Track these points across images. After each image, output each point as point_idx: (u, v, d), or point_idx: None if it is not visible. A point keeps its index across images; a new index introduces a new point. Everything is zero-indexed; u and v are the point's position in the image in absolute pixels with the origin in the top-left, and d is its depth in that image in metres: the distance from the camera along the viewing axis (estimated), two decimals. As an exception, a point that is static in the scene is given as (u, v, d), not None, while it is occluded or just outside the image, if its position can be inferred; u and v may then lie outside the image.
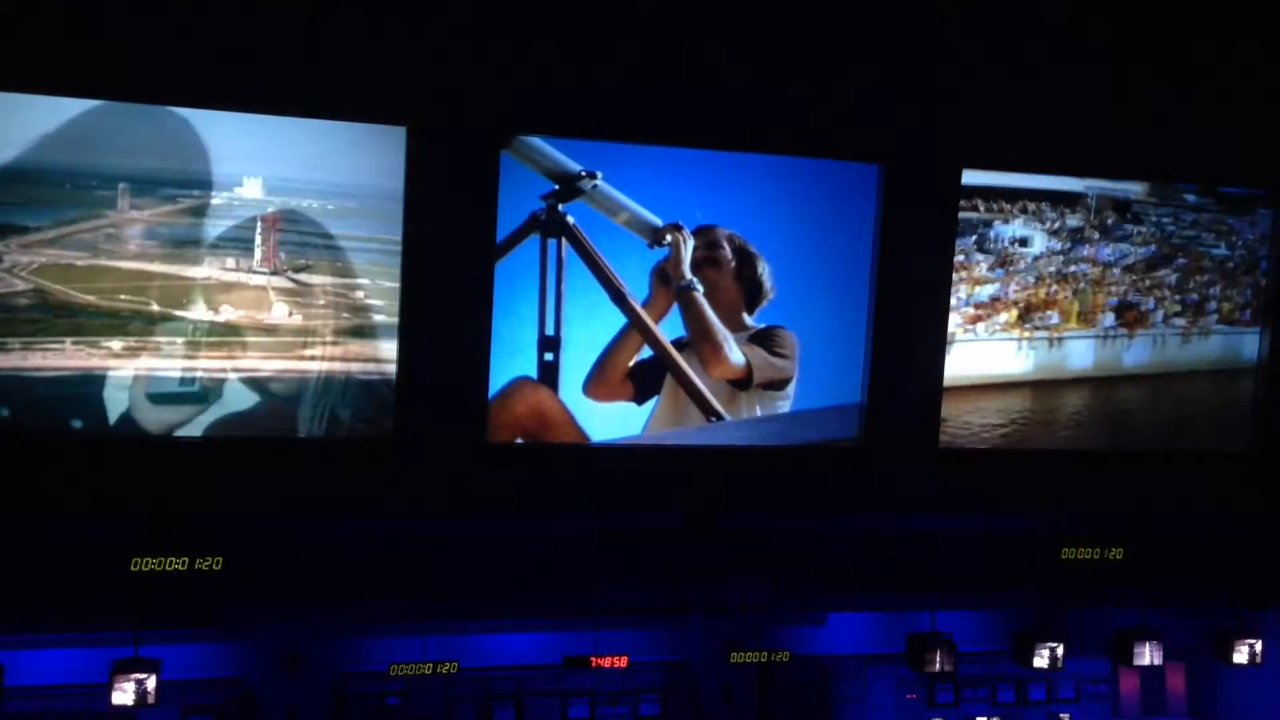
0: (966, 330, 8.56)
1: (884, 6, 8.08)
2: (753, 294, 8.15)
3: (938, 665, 9.88)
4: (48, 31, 6.85)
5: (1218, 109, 8.63)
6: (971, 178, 8.35)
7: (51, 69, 6.84)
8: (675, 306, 8.04)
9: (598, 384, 7.99)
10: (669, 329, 8.06)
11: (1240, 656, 10.10)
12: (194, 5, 7.03)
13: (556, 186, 7.68)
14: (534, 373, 7.89)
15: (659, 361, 8.06)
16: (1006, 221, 8.45)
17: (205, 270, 7.25)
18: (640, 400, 8.09)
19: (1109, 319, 8.76)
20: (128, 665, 8.40)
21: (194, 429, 7.41)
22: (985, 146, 8.38)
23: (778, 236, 8.14)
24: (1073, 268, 8.62)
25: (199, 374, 7.35)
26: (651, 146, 7.86)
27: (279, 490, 7.74)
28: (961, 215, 8.33)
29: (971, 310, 8.53)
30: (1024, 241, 8.53)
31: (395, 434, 7.71)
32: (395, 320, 7.57)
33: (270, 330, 7.40)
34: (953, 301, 8.49)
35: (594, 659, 9.59)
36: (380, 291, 7.53)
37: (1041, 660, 10.17)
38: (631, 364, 8.04)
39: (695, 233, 7.98)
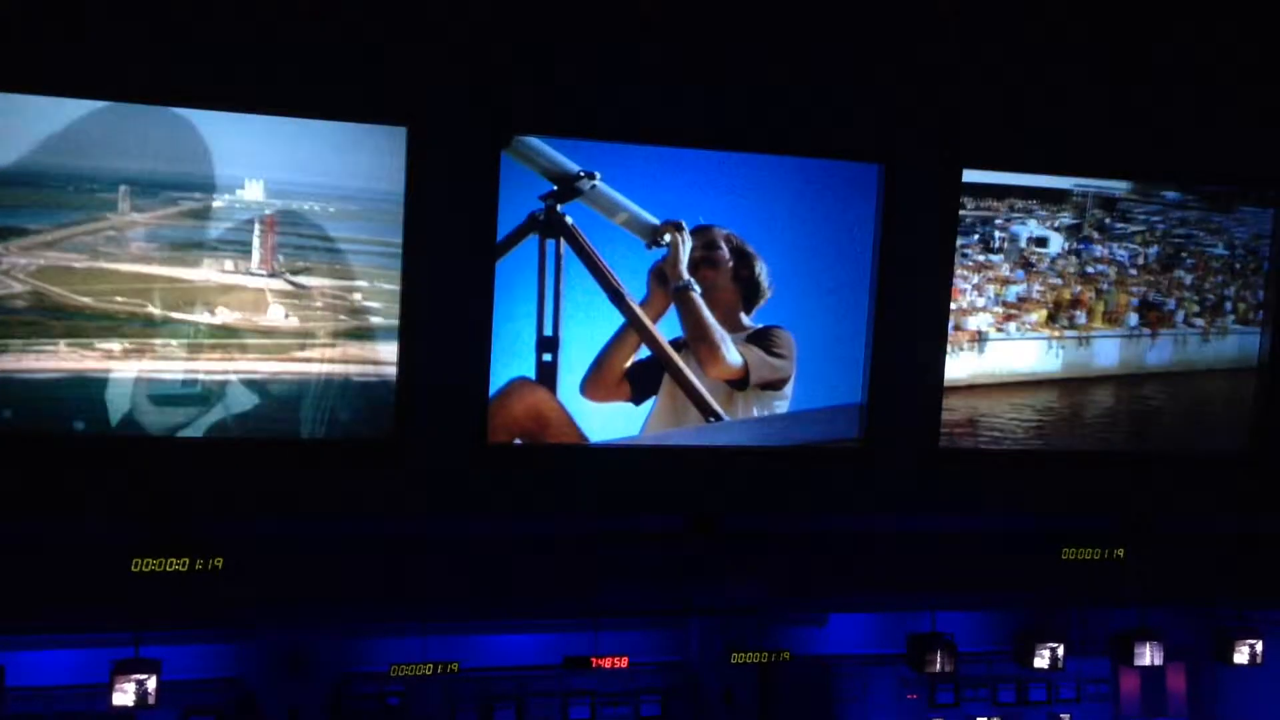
0: (1000, 330, 8.58)
1: (884, 6, 8.08)
2: (750, 294, 8.15)
3: (938, 665, 9.90)
4: (48, 32, 6.85)
5: (1218, 106, 8.62)
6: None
7: (51, 69, 6.85)
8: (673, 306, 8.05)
9: (595, 384, 7.99)
10: (667, 329, 8.07)
11: (1241, 657, 10.10)
12: (194, 5, 7.03)
13: (555, 187, 7.69)
14: (532, 373, 7.89)
15: (656, 362, 8.07)
16: (1023, 222, 8.46)
17: (203, 273, 7.25)
18: (638, 400, 8.09)
19: (1133, 319, 8.81)
20: (128, 666, 8.43)
21: (190, 430, 7.39)
22: (986, 146, 8.38)
23: (777, 236, 8.14)
24: (1090, 268, 8.64)
25: (192, 376, 7.34)
26: (651, 146, 7.86)
27: (279, 491, 7.74)
28: (975, 214, 8.32)
29: (1001, 309, 8.56)
30: (1042, 242, 8.53)
31: (395, 435, 7.71)
32: (393, 323, 7.57)
33: (266, 333, 7.40)
34: (980, 301, 8.52)
35: (595, 659, 9.60)
36: (378, 294, 7.53)
37: (1042, 660, 10.19)
38: (629, 364, 8.04)
39: (693, 232, 7.98)
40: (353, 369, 7.57)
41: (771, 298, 8.17)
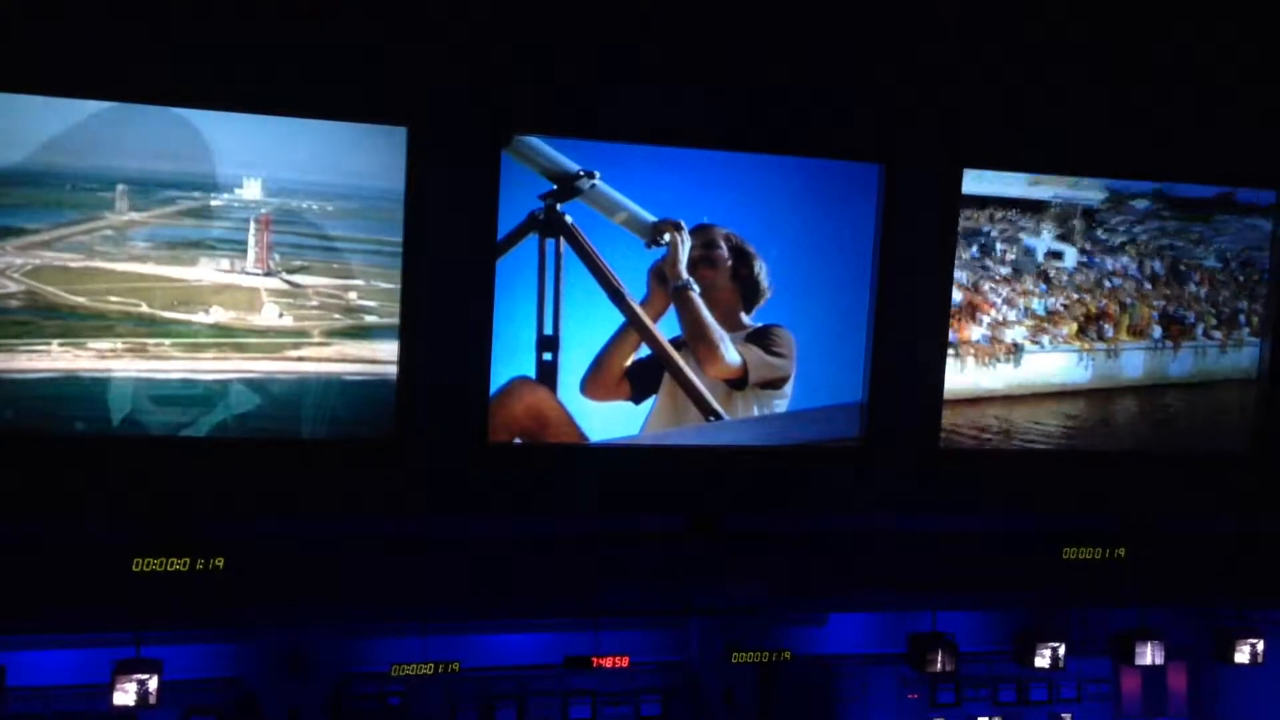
0: (1034, 342, 8.65)
1: (884, 6, 8.08)
2: (750, 294, 8.15)
3: (939, 665, 9.89)
4: (48, 32, 6.86)
5: (1218, 106, 8.62)
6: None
7: (51, 69, 6.86)
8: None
9: (594, 383, 7.99)
10: (667, 328, 8.07)
11: (1242, 656, 10.10)
12: (194, 5, 7.04)
13: (555, 186, 7.70)
14: (532, 372, 7.89)
15: (656, 361, 8.07)
16: (1037, 235, 8.49)
17: (198, 272, 7.25)
18: (638, 400, 8.10)
19: (1157, 331, 8.91)
20: (129, 666, 8.42)
21: (187, 430, 7.40)
22: (986, 147, 8.38)
23: (778, 236, 8.14)
24: (1108, 282, 8.72)
25: (185, 375, 7.34)
26: (651, 146, 7.87)
27: (279, 491, 7.74)
28: (996, 229, 8.43)
29: (1031, 322, 8.64)
30: (1057, 255, 8.58)
31: (395, 435, 7.71)
32: (390, 321, 7.58)
33: (260, 332, 7.40)
34: (1011, 315, 8.61)
35: (595, 659, 9.60)
36: (375, 293, 7.54)
37: (1043, 660, 10.18)
38: (629, 363, 8.04)
39: (693, 232, 7.98)
40: (348, 368, 7.58)
41: (771, 297, 8.17)
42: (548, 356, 7.88)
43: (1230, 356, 9.07)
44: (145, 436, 7.36)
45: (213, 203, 7.17)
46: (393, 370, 7.64)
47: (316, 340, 7.50)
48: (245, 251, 7.30)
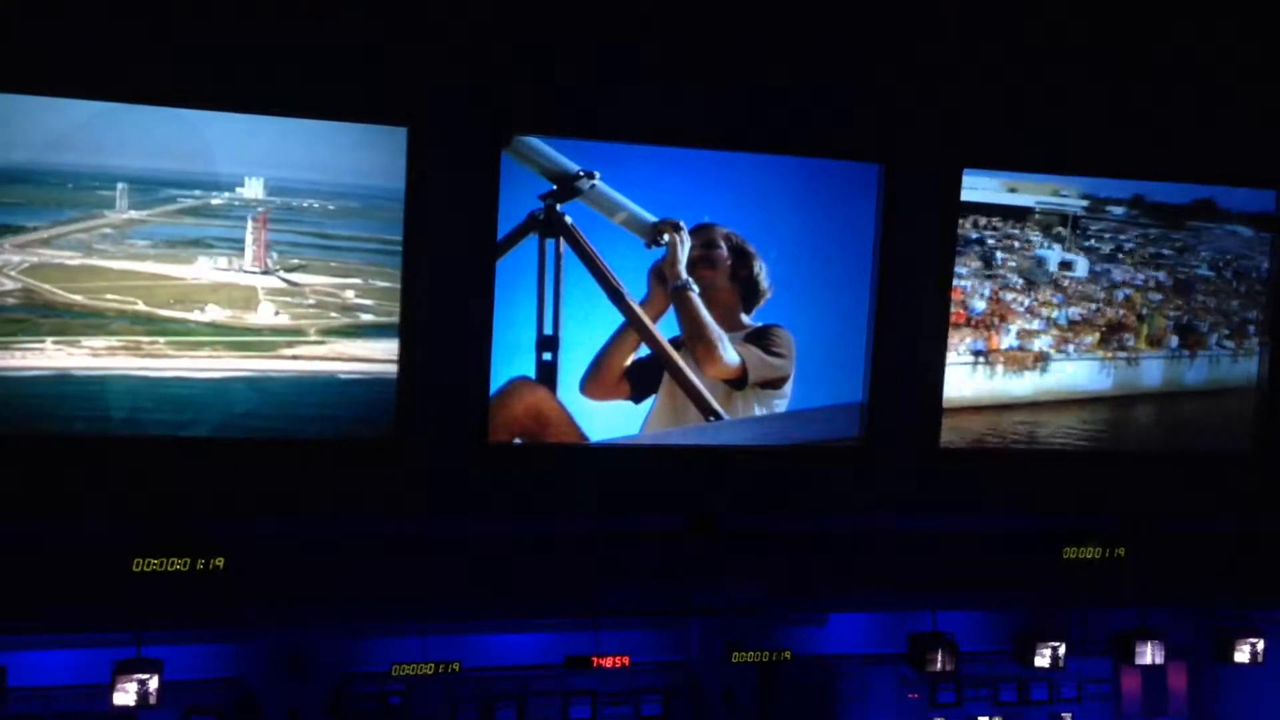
0: (1060, 351, 8.73)
1: (884, 6, 8.08)
2: (749, 293, 8.15)
3: (939, 665, 9.89)
4: (48, 32, 6.86)
5: (1218, 106, 8.63)
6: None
7: (51, 69, 6.86)
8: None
9: (594, 383, 7.99)
10: (667, 328, 8.07)
11: (1242, 656, 10.10)
12: (194, 5, 7.04)
13: (555, 186, 7.70)
14: (532, 372, 7.89)
15: (656, 361, 8.07)
16: (1049, 246, 8.56)
17: (196, 270, 7.26)
18: (638, 399, 8.10)
19: (1174, 341, 9.00)
20: (129, 666, 8.42)
21: (183, 430, 7.40)
22: (986, 146, 8.38)
23: (778, 236, 8.14)
24: (1119, 293, 8.81)
25: (179, 374, 7.33)
26: (650, 146, 7.87)
27: (279, 491, 7.75)
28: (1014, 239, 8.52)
29: (1056, 332, 8.72)
30: (1068, 265, 8.66)
31: (395, 435, 7.72)
32: (386, 320, 7.58)
33: (255, 330, 7.41)
34: (1035, 325, 8.68)
35: (595, 659, 9.60)
36: (373, 291, 7.55)
37: (1043, 660, 10.17)
38: (628, 363, 8.04)
39: (693, 231, 7.98)
40: (344, 366, 7.58)
41: (771, 297, 8.17)
42: (548, 356, 7.88)
43: (1241, 365, 9.13)
44: (145, 436, 7.36)
45: (213, 201, 7.18)
46: (390, 369, 7.64)
47: (312, 339, 7.50)
48: (243, 250, 7.31)
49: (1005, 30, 8.26)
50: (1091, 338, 8.78)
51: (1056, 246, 8.60)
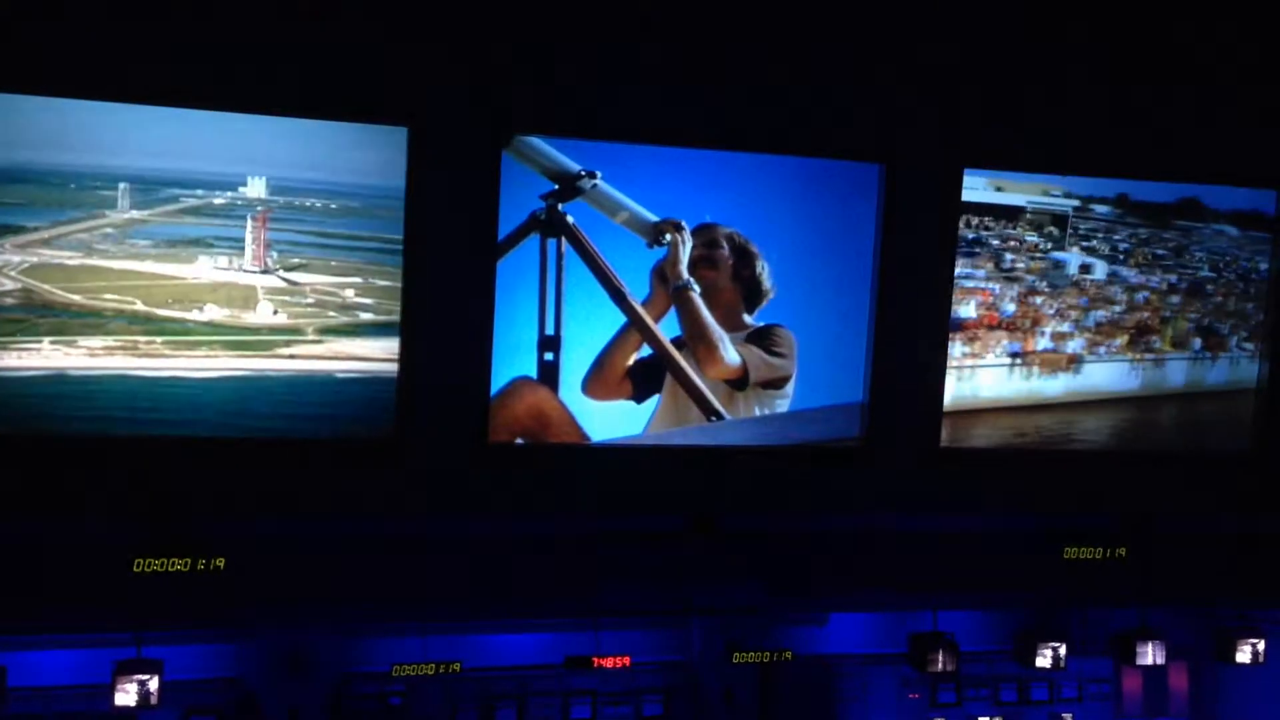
0: (1093, 353, 8.81)
1: (884, 6, 8.08)
2: (752, 294, 8.15)
3: (940, 665, 9.89)
4: (48, 32, 6.86)
5: (1218, 106, 8.63)
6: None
7: (51, 69, 6.86)
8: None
9: (596, 382, 8.00)
10: (669, 328, 8.07)
11: (1243, 656, 10.10)
12: (194, 5, 7.04)
13: (556, 186, 7.69)
14: (533, 372, 7.89)
15: (658, 360, 8.07)
16: (1066, 249, 8.63)
17: (196, 270, 7.27)
18: (639, 399, 8.10)
19: (1197, 343, 9.08)
20: (130, 666, 8.42)
21: (182, 430, 7.40)
22: (986, 146, 8.38)
23: (779, 237, 8.14)
24: (1139, 295, 8.89)
25: (175, 374, 7.33)
26: (651, 146, 7.86)
27: (279, 491, 7.75)
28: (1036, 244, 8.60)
29: (1089, 336, 8.81)
30: (1088, 269, 8.73)
31: (395, 435, 7.72)
32: (385, 319, 7.59)
33: (253, 330, 7.41)
34: (1066, 328, 8.74)
35: (596, 659, 9.59)
36: (373, 290, 7.55)
37: (1044, 660, 10.18)
38: (630, 363, 8.04)
39: (695, 231, 7.98)
40: (341, 365, 7.58)
41: (774, 298, 8.17)
42: (549, 356, 7.88)
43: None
44: (145, 436, 7.36)
45: (215, 201, 7.18)
46: (388, 368, 7.65)
47: (310, 338, 7.50)
48: (243, 249, 7.31)
49: (1005, 30, 8.26)
50: (1121, 339, 8.88)
51: (1075, 249, 8.63)
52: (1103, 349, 8.85)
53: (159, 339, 7.27)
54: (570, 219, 7.75)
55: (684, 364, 8.10)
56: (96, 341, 7.19)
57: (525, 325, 7.81)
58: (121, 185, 7.04)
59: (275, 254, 7.39)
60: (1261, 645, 10.08)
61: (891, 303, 8.33)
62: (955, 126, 8.28)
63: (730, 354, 8.15)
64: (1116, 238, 8.71)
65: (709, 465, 8.29)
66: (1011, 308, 8.63)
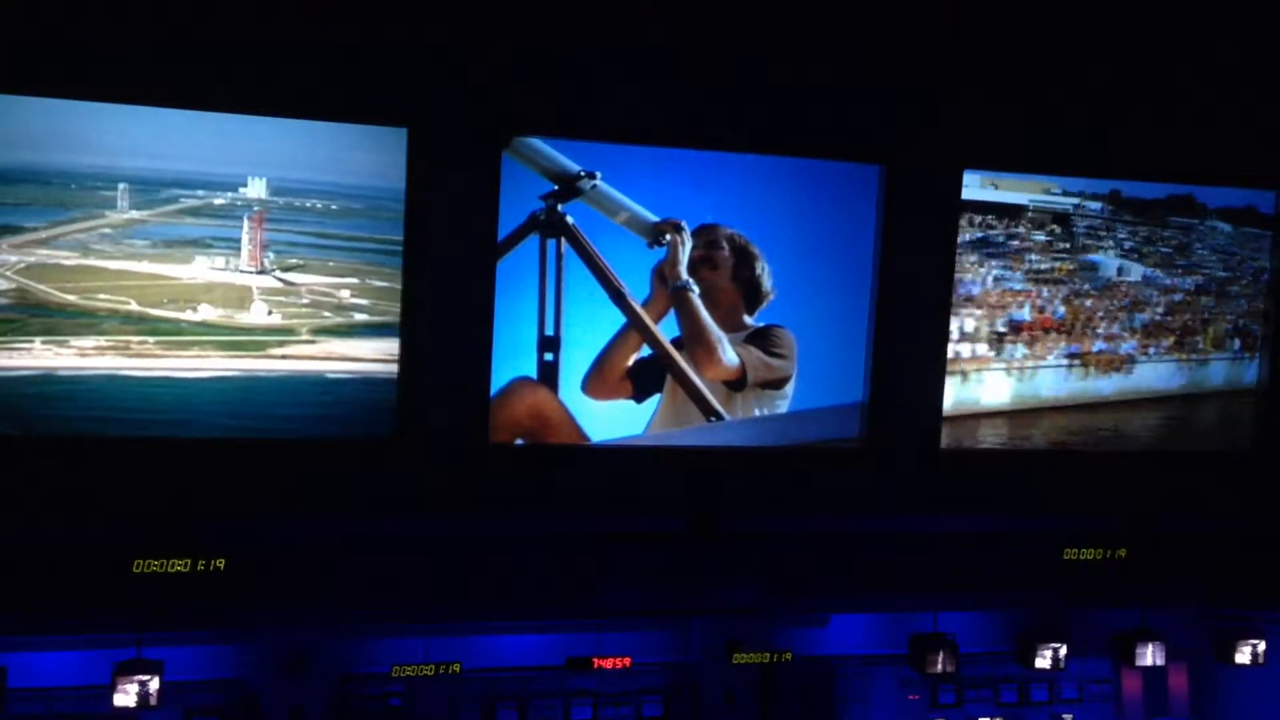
0: (1144, 354, 8.93)
1: (884, 6, 8.08)
2: (752, 294, 8.15)
3: (940, 666, 9.89)
4: (48, 32, 6.87)
5: (1218, 107, 8.64)
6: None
7: (52, 70, 6.86)
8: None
9: (596, 382, 8.00)
10: (668, 329, 8.07)
11: (1243, 657, 10.10)
12: (194, 5, 7.05)
13: (556, 186, 7.70)
14: (533, 373, 7.90)
15: (658, 360, 8.07)
16: (1103, 252, 8.73)
17: (192, 270, 7.28)
18: (640, 398, 8.10)
19: (1236, 343, 9.21)
20: (130, 667, 8.42)
21: (180, 430, 7.40)
22: (986, 146, 8.38)
23: (779, 237, 8.15)
24: (1175, 296, 9.00)
25: (165, 374, 7.34)
26: (652, 147, 7.87)
27: (279, 491, 7.75)
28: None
29: (1139, 338, 8.94)
30: (1122, 271, 8.82)
31: (395, 435, 7.72)
32: (380, 320, 7.60)
33: (245, 330, 7.41)
34: (1115, 329, 8.85)
35: (597, 660, 9.59)
36: (369, 291, 7.55)
37: (1044, 661, 10.18)
38: (630, 363, 8.05)
39: (695, 232, 7.98)
40: (333, 366, 7.59)
41: (774, 299, 8.17)
42: (549, 357, 7.89)
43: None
44: (145, 437, 7.36)
45: (215, 201, 7.19)
46: (381, 369, 7.66)
47: (303, 338, 7.51)
48: (239, 249, 7.32)
49: (1005, 30, 8.27)
50: (1168, 340, 9.01)
51: (1112, 251, 8.70)
52: (1153, 349, 8.97)
53: (151, 339, 7.28)
54: (570, 219, 7.76)
55: (683, 364, 8.10)
56: (88, 341, 7.19)
57: (525, 325, 7.82)
58: (121, 186, 7.05)
59: (273, 254, 7.40)
60: (1261, 646, 10.08)
61: (891, 303, 8.33)
62: (955, 126, 8.28)
63: (728, 355, 8.15)
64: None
65: (710, 465, 8.29)
66: (1062, 309, 8.72)
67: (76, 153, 6.93)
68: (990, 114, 8.35)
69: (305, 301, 7.48)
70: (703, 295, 8.06)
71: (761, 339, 8.20)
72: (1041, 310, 8.66)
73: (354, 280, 7.53)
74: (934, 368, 8.54)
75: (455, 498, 8.03)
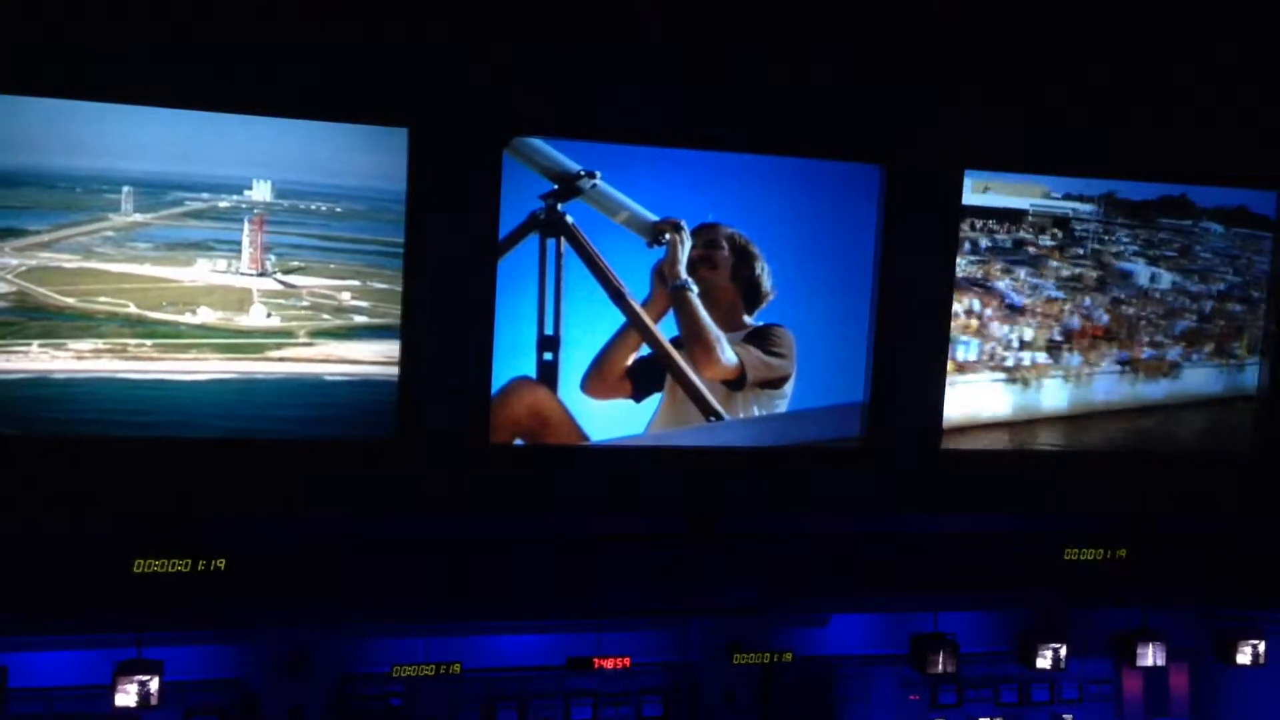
0: (1188, 359, 9.04)
1: (884, 6, 8.08)
2: (751, 294, 8.15)
3: (941, 666, 9.89)
4: (48, 33, 6.87)
5: (1218, 107, 8.64)
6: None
7: (52, 71, 6.87)
8: (673, 306, 8.08)
9: (595, 381, 8.01)
10: (668, 328, 8.07)
11: (1243, 657, 10.10)
12: (194, 5, 7.05)
13: (556, 186, 7.70)
14: (533, 372, 7.90)
15: (658, 360, 8.07)
16: (1133, 260, 8.80)
17: (193, 273, 7.28)
18: (639, 398, 8.10)
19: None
20: (130, 667, 8.43)
21: (179, 430, 7.41)
22: (986, 146, 8.38)
23: (779, 237, 8.15)
24: (1204, 303, 9.08)
25: (162, 376, 7.34)
26: (651, 147, 7.87)
27: (279, 491, 7.75)
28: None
29: (1180, 343, 9.05)
30: (1155, 278, 8.88)
31: (395, 435, 7.72)
32: (380, 322, 7.60)
33: (244, 333, 7.41)
34: (1152, 336, 8.95)
35: (597, 660, 9.59)
36: (370, 293, 7.56)
37: (1044, 661, 10.18)
38: (630, 362, 8.05)
39: (695, 231, 7.99)
40: (331, 369, 7.59)
41: (774, 298, 8.17)
42: (549, 356, 7.89)
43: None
44: (147, 437, 7.37)
45: (220, 204, 7.19)
46: (379, 371, 7.66)
47: (301, 341, 7.51)
48: (240, 252, 7.33)
49: (1005, 30, 8.27)
50: (1208, 346, 9.11)
51: (1141, 260, 8.77)
52: (1195, 355, 9.06)
53: (149, 342, 7.28)
54: (570, 219, 7.76)
55: (683, 364, 8.10)
56: (85, 344, 7.19)
57: (525, 325, 7.82)
58: (125, 189, 7.05)
59: (274, 257, 7.40)
60: (1261, 646, 10.08)
61: (891, 303, 8.33)
62: (955, 126, 8.28)
63: (727, 354, 8.15)
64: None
65: (709, 465, 8.29)
66: (1105, 317, 8.81)
67: (80, 156, 6.94)
68: (990, 114, 8.35)
69: (305, 304, 7.49)
70: (702, 295, 8.06)
71: (760, 338, 8.20)
72: (1088, 318, 8.72)
73: (355, 282, 7.54)
74: (934, 368, 8.53)
75: (455, 498, 8.03)
